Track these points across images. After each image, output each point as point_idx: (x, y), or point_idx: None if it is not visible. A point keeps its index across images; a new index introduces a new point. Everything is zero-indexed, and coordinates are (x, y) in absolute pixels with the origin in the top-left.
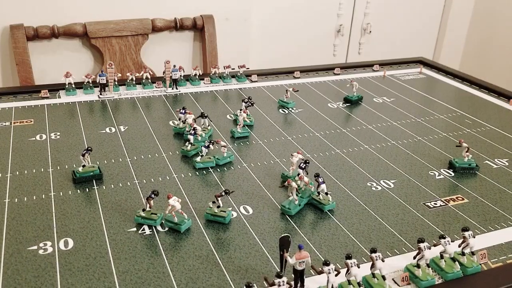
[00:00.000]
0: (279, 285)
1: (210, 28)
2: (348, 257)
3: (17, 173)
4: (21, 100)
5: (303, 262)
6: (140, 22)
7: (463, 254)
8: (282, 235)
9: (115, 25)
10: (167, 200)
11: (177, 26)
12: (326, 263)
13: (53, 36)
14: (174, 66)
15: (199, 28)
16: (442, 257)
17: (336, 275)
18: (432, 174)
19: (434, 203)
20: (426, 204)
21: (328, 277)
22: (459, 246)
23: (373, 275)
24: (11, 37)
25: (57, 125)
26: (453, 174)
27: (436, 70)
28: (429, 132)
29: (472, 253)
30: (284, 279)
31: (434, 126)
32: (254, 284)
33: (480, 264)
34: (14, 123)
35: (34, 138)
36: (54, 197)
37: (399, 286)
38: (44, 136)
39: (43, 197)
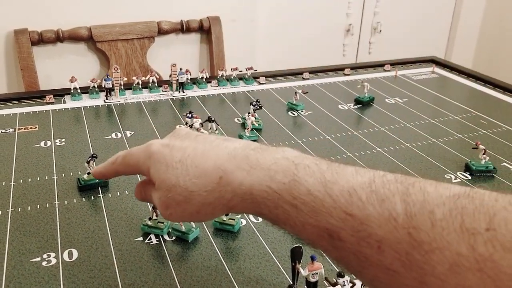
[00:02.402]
0: None
1: (216, 30)
2: None
3: (21, 181)
4: (25, 105)
5: (316, 273)
6: (146, 25)
7: None
8: (294, 246)
9: (121, 28)
10: None
11: (184, 28)
12: (340, 275)
13: (58, 40)
14: (181, 69)
15: (205, 30)
16: None
17: (351, 287)
18: (448, 177)
19: None
20: None
21: None
22: None
23: None
24: (15, 42)
25: (62, 131)
26: (470, 177)
27: (449, 69)
28: (444, 133)
29: None
30: None
31: (449, 127)
32: None
33: None
34: (19, 129)
35: (38, 145)
36: (58, 206)
37: None
38: (48, 143)
39: (47, 206)
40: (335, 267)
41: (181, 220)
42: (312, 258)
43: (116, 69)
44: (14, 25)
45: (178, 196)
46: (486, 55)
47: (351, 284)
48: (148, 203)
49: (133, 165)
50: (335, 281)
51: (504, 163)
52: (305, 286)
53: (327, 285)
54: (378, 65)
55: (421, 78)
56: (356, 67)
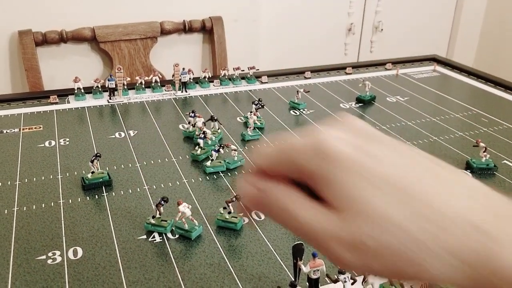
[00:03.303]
0: None
1: (219, 30)
2: None
3: (26, 180)
4: (30, 106)
5: (318, 270)
6: (148, 25)
7: None
8: (295, 243)
9: (124, 28)
10: (177, 206)
11: (186, 28)
12: (341, 271)
13: (62, 41)
14: (183, 69)
15: (208, 30)
16: None
17: (352, 284)
18: None
19: None
20: None
21: (344, 285)
22: None
23: (391, 282)
24: (19, 43)
25: (66, 130)
26: (470, 175)
27: (450, 67)
28: (444, 131)
29: None
30: None
31: (450, 125)
32: None
33: None
34: (23, 129)
35: (43, 145)
36: (63, 205)
37: None
38: (53, 142)
39: (52, 204)
40: None
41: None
42: (314, 255)
43: (119, 69)
44: (18, 26)
45: (391, 240)
46: (488, 53)
47: (352, 281)
48: (152, 202)
49: (297, 166)
50: (336, 277)
51: (505, 161)
52: (307, 283)
53: (328, 282)
54: (379, 64)
55: (422, 76)
56: (358, 66)
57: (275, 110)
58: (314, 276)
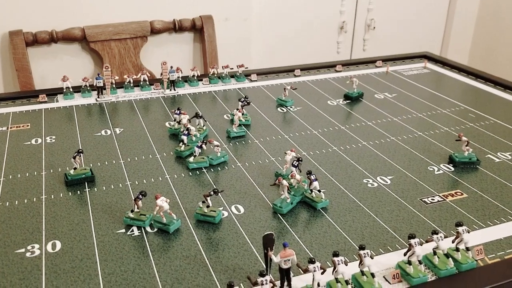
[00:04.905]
0: (262, 284)
1: (209, 29)
2: (335, 254)
3: (10, 177)
4: (19, 105)
5: (288, 260)
6: (138, 24)
7: (457, 250)
8: (265, 233)
9: (114, 28)
10: (155, 200)
11: (176, 27)
12: (311, 261)
13: (52, 41)
14: (171, 67)
15: (198, 29)
16: (435, 253)
17: (322, 273)
18: (431, 169)
19: (432, 199)
20: (423, 200)
21: (313, 275)
22: (453, 241)
23: (362, 272)
24: (10, 43)
25: (53, 129)
26: (452, 169)
27: (441, 64)
28: (430, 127)
29: (467, 249)
30: (267, 277)
31: (436, 121)
32: (241, 284)
33: (476, 260)
34: (11, 128)
35: (29, 142)
36: (45, 200)
37: (390, 283)
38: (39, 140)
39: (34, 200)
40: (312, 255)
41: None
42: (284, 245)
43: (106, 67)
44: (9, 27)
45: None
46: (482, 50)
47: (321, 270)
48: (133, 197)
49: None
50: (306, 267)
51: (489, 155)
52: (279, 273)
53: (301, 272)
54: (370, 62)
55: (412, 73)
56: (348, 64)
57: (262, 108)
58: (284, 266)
